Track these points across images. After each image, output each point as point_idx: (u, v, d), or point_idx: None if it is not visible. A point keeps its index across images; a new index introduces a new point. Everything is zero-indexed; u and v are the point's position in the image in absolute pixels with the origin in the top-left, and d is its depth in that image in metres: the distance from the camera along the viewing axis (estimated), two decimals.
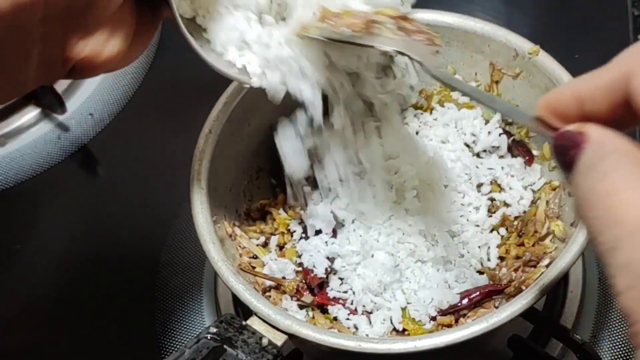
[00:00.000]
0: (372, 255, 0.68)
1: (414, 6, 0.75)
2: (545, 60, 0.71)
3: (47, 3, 0.46)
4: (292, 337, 0.60)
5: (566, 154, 0.39)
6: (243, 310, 0.74)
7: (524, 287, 0.63)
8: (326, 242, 0.69)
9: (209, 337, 0.59)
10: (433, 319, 0.66)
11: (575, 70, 0.69)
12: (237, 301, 0.73)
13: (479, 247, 0.69)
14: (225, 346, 0.58)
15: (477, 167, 0.74)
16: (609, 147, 0.38)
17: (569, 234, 0.65)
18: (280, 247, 0.73)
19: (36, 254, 0.86)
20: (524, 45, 0.72)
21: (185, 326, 0.80)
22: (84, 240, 0.87)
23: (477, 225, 0.71)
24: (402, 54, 0.55)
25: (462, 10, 0.75)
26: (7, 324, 0.82)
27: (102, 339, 0.80)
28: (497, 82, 0.75)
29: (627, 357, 0.74)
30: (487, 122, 0.76)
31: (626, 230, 0.35)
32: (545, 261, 0.66)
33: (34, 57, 0.48)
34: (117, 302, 0.82)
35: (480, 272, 0.68)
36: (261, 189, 0.76)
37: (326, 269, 0.68)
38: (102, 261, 0.85)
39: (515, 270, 0.67)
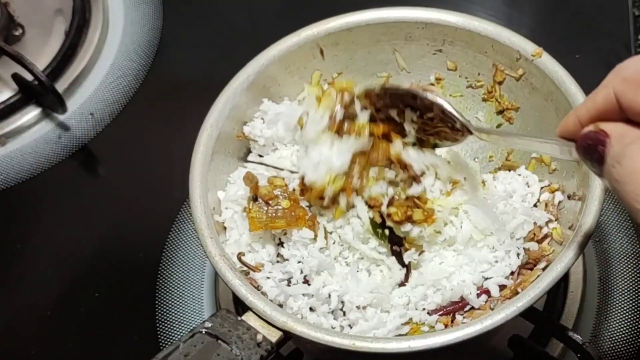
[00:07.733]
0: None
1: (415, 4, 0.76)
2: (548, 62, 0.70)
3: None
4: (287, 334, 0.60)
5: (594, 152, 0.49)
6: (242, 307, 0.74)
7: (520, 290, 0.63)
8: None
9: (203, 332, 0.59)
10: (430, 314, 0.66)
11: (576, 70, 0.69)
12: (236, 299, 0.73)
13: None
14: (219, 341, 0.58)
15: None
16: (628, 138, 0.47)
17: (567, 237, 0.64)
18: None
19: (36, 254, 0.86)
20: (527, 47, 0.71)
21: (186, 324, 0.80)
22: (84, 240, 0.87)
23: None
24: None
25: (463, 10, 0.75)
26: (7, 324, 0.82)
27: (103, 337, 0.81)
28: (500, 83, 0.75)
29: (627, 357, 0.74)
30: None
31: None
32: (542, 264, 0.65)
33: None
34: (118, 301, 0.83)
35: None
36: None
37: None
38: (102, 261, 0.85)
39: (512, 272, 0.67)
